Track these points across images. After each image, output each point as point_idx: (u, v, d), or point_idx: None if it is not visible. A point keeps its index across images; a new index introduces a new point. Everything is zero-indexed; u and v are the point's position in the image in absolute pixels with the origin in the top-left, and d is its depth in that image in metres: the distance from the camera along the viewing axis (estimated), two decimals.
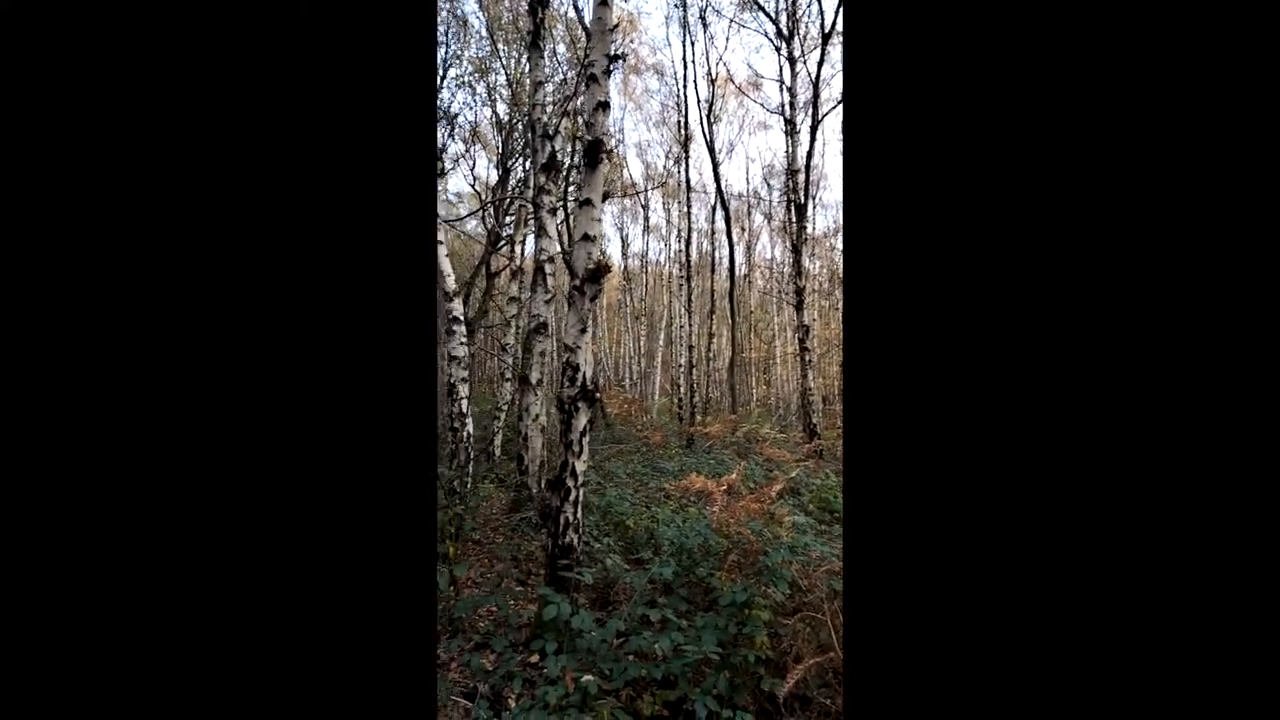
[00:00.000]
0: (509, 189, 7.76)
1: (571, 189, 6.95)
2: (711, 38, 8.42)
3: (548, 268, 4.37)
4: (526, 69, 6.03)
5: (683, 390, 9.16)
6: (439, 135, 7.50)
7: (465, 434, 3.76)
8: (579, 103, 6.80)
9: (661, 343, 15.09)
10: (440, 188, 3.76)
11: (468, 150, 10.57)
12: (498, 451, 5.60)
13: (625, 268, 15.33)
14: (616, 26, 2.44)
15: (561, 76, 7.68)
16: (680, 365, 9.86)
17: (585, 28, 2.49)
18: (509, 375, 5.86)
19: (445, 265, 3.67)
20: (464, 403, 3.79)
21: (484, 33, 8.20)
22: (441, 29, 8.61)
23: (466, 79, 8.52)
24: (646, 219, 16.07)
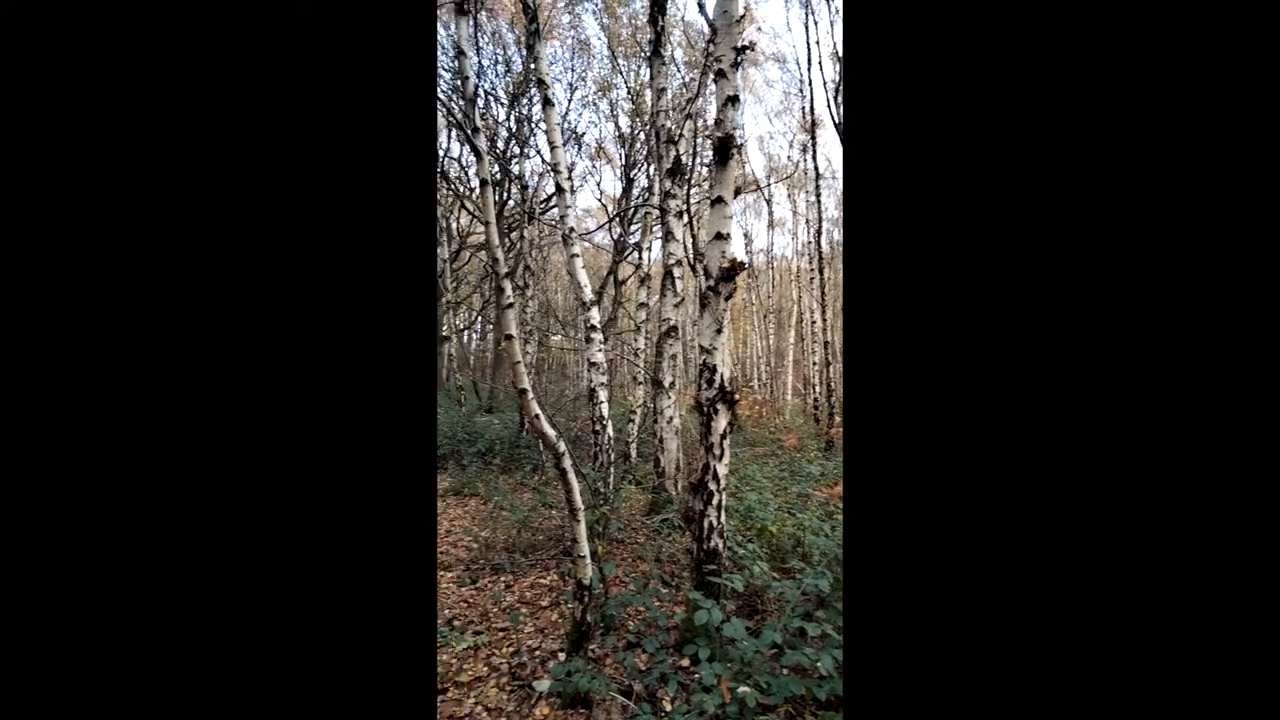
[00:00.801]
0: (633, 198, 7.99)
1: (694, 191, 6.96)
2: (836, 11, 7.91)
3: (675, 271, 4.39)
4: (647, 78, 6.17)
5: (817, 390, 8.65)
6: (569, 155, 7.96)
7: (606, 437, 3.90)
8: (700, 103, 6.77)
9: (792, 340, 14.47)
10: (570, 204, 4.01)
11: (594, 166, 11.12)
12: (633, 454, 5.75)
13: (751, 265, 14.99)
14: (743, 18, 2.37)
15: (681, 81, 7.73)
16: (814, 363, 9.33)
17: (710, 23, 2.46)
18: (640, 379, 6.01)
19: (581, 277, 3.87)
20: (604, 407, 3.94)
21: (605, 52, 8.57)
22: (567, 54, 9.15)
23: (591, 99, 8.97)
24: (770, 213, 15.56)
